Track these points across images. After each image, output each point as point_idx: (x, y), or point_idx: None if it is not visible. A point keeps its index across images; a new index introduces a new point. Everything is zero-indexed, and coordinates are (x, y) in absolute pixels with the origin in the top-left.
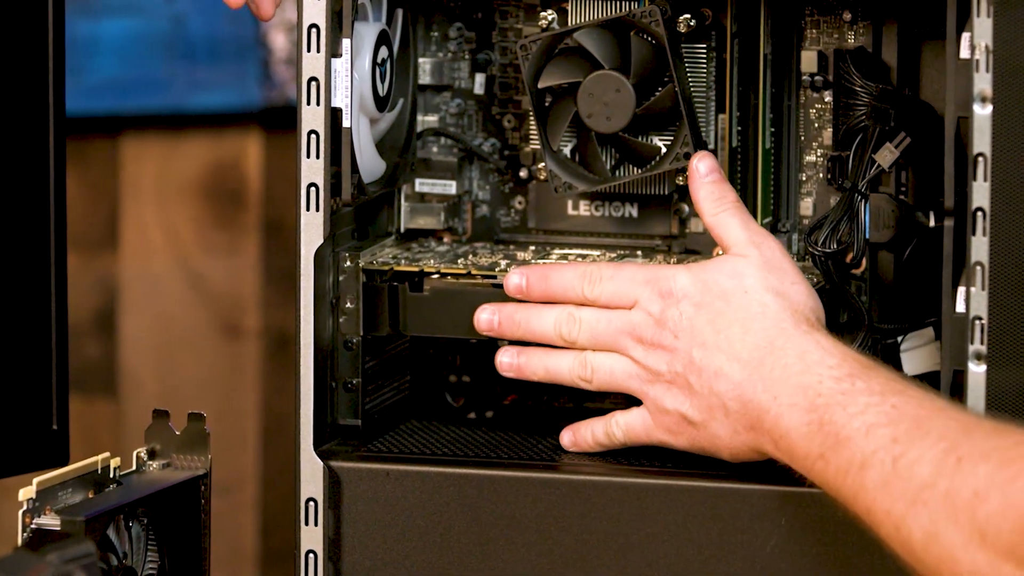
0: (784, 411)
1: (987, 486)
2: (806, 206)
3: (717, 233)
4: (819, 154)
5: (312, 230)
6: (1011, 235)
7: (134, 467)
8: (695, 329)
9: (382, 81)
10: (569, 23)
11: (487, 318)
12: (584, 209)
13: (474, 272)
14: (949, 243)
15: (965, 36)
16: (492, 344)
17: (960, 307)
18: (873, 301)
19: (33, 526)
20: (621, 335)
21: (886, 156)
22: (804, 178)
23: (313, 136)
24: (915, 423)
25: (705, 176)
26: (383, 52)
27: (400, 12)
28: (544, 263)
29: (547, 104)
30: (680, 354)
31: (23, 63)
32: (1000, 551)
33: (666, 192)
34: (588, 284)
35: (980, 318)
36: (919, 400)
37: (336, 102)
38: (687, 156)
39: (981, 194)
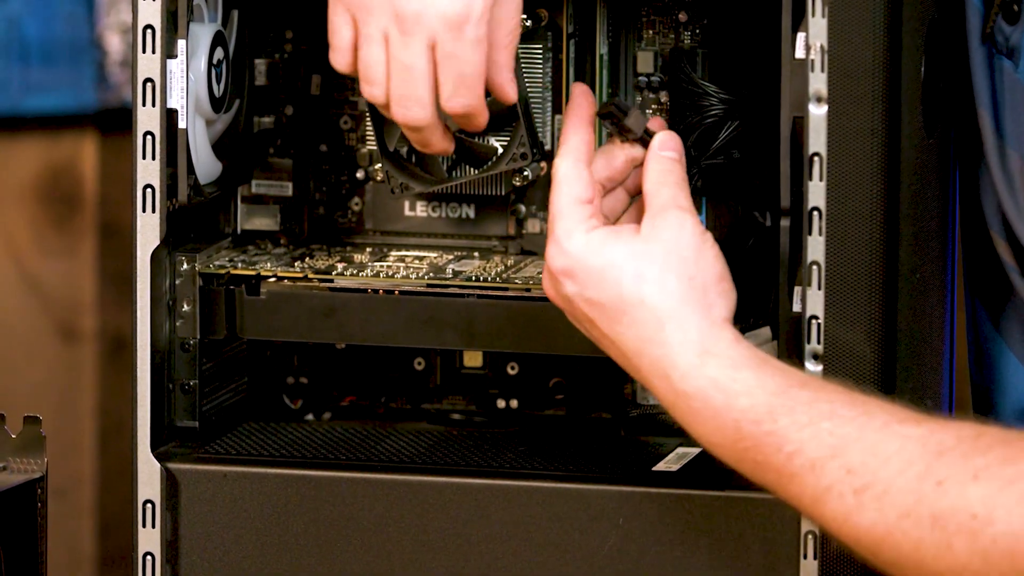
0: (712, 446)
1: (988, 509)
2: None
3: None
4: None
5: (148, 232)
6: (847, 234)
7: None
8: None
9: (218, 82)
10: None
11: None
12: (421, 210)
13: (311, 276)
14: (785, 242)
15: (800, 36)
16: (329, 346)
17: (796, 306)
18: None
19: None
20: None
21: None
22: None
23: (149, 137)
24: (867, 450)
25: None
26: (219, 53)
27: (235, 13)
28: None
29: None
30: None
31: None
32: (1005, 572)
33: (503, 193)
34: None
35: (816, 317)
36: (853, 416)
37: (172, 103)
38: (523, 156)
39: (817, 194)
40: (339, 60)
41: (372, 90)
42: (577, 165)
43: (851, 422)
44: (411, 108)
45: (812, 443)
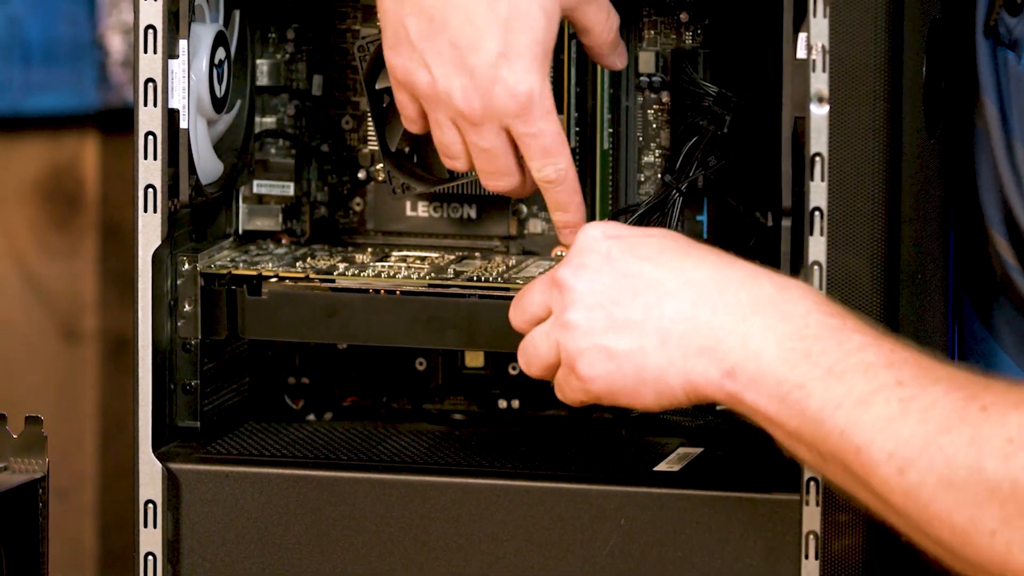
0: (756, 332)
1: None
2: None
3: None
4: (657, 155)
5: (150, 232)
6: (848, 235)
7: None
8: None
9: (219, 82)
10: None
11: None
12: (423, 210)
13: (312, 276)
14: (787, 243)
15: (802, 36)
16: (330, 347)
17: None
18: None
19: None
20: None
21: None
22: (643, 179)
23: (150, 137)
24: (920, 368)
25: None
26: (220, 53)
27: (237, 13)
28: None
29: (385, 105)
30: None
31: None
32: None
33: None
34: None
35: None
36: (916, 350)
37: (173, 103)
38: None
39: (818, 194)
40: (413, 128)
41: (455, 164)
42: None
43: (910, 350)
44: (501, 180)
45: (871, 349)
